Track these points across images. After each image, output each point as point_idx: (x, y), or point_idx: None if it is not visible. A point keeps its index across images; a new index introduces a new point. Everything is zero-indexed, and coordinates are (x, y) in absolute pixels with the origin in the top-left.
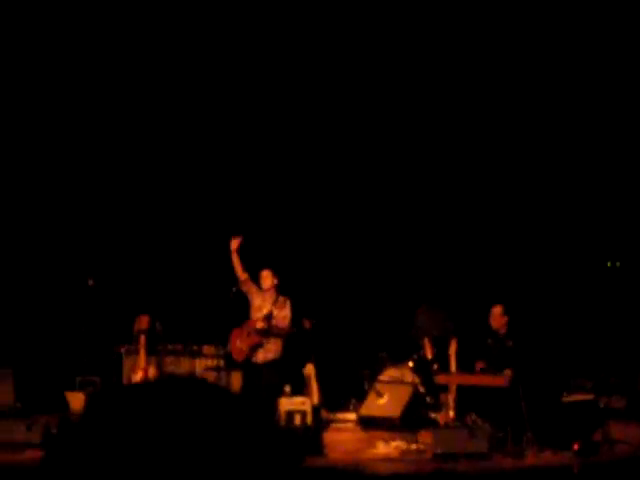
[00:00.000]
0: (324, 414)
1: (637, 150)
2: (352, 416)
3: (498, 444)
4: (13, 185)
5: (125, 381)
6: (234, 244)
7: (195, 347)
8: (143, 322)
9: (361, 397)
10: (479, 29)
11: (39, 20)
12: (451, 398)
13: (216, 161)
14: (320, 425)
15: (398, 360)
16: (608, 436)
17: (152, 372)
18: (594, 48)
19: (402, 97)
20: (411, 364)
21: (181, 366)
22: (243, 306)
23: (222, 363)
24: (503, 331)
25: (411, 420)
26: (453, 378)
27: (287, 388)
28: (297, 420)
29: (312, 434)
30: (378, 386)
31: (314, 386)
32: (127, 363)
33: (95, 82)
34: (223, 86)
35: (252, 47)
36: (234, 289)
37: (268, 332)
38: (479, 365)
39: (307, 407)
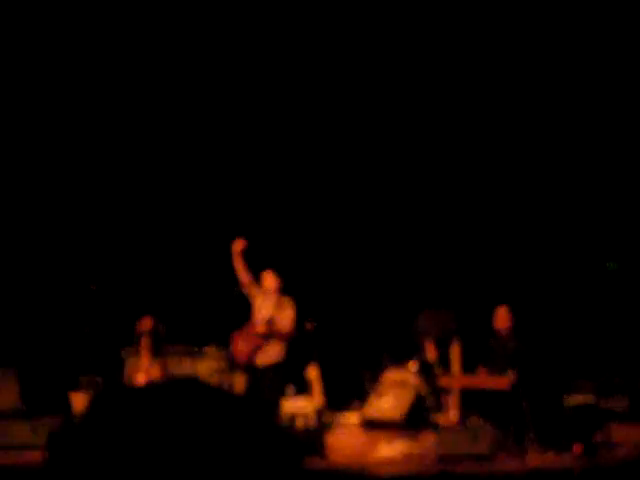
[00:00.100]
0: (327, 416)
1: (638, 151)
2: (355, 418)
3: (500, 446)
4: (17, 189)
5: (127, 382)
6: (238, 246)
7: (197, 349)
8: (146, 324)
9: (364, 399)
10: (479, 29)
11: (39, 20)
12: (454, 400)
13: (218, 163)
14: (323, 427)
15: (401, 362)
16: (610, 438)
17: (155, 374)
18: (594, 48)
19: (402, 97)
20: (414, 366)
21: (183, 368)
22: (246, 307)
23: (225, 365)
24: (506, 332)
25: (414, 422)
26: (456, 380)
27: (290, 390)
28: (299, 422)
29: (314, 436)
30: (381, 388)
31: (317, 388)
32: (130, 364)
33: (96, 84)
34: (224, 88)
35: (252, 47)
36: (236, 289)
37: (269, 336)
38: (482, 372)
39: (310, 409)
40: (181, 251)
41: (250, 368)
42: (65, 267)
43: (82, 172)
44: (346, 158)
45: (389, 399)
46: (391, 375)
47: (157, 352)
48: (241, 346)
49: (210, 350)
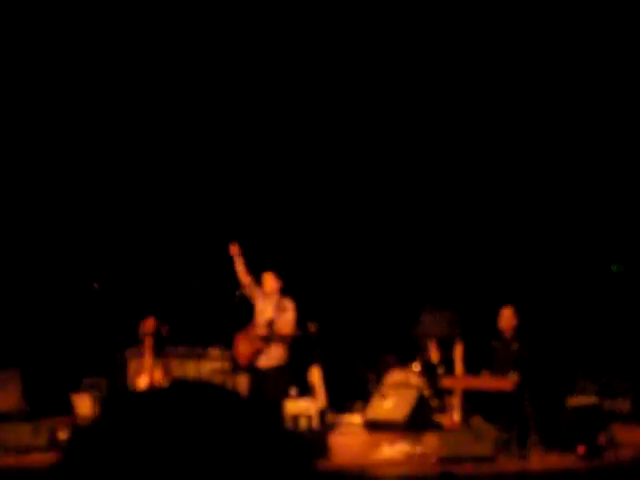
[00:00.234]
0: (329, 417)
1: None
2: (357, 419)
3: (503, 447)
4: (20, 190)
5: (130, 384)
6: (233, 250)
7: (201, 350)
8: (149, 325)
9: (366, 400)
10: (479, 29)
11: (39, 20)
12: (456, 401)
13: (220, 163)
14: (325, 428)
15: (404, 363)
16: (613, 439)
17: (158, 375)
18: (594, 48)
19: (403, 97)
20: (416, 367)
21: (187, 369)
22: (249, 308)
23: (228, 366)
24: (510, 333)
25: (416, 423)
26: (458, 381)
27: (293, 391)
28: (302, 423)
29: (317, 437)
30: (383, 389)
31: (320, 389)
32: (132, 366)
33: (96, 84)
34: (224, 89)
35: (252, 47)
36: (238, 293)
37: (270, 338)
38: (485, 373)
39: (312, 410)
40: (184, 252)
41: (252, 370)
42: (68, 268)
43: (85, 174)
44: (347, 160)
45: (392, 400)
46: (394, 376)
47: (160, 353)
48: (243, 348)
49: (213, 351)
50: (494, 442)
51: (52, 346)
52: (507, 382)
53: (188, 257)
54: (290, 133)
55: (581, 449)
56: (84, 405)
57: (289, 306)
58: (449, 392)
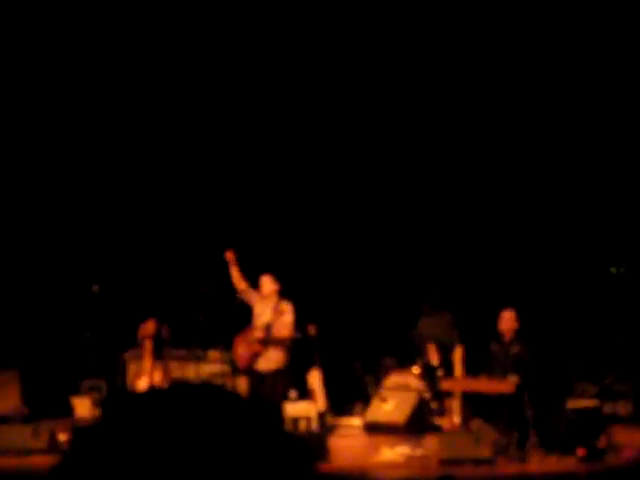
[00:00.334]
0: (329, 420)
1: None
2: (357, 422)
3: (503, 450)
4: (19, 191)
5: (130, 386)
6: (228, 256)
7: (200, 352)
8: (148, 327)
9: (366, 403)
10: (479, 29)
11: (39, 20)
12: (456, 404)
13: (219, 165)
14: (325, 430)
15: (403, 366)
16: (613, 442)
17: (157, 377)
18: (594, 48)
19: (403, 97)
20: (416, 370)
21: (186, 371)
22: (248, 311)
23: (227, 368)
24: (509, 336)
25: (416, 426)
26: (458, 384)
27: (292, 394)
28: (302, 426)
29: (317, 440)
30: (383, 392)
31: (319, 392)
32: (132, 368)
33: (96, 84)
34: (222, 91)
35: (251, 48)
36: (238, 297)
37: (267, 341)
38: (484, 376)
39: (312, 413)
40: (184, 255)
41: (251, 372)
42: (67, 270)
43: (84, 175)
44: (347, 162)
45: (391, 403)
46: (393, 379)
47: (159, 356)
48: (241, 351)
49: (213, 354)
50: (494, 445)
51: (52, 348)
52: (507, 385)
53: (188, 259)
54: (289, 135)
55: (581, 452)
56: (84, 407)
57: (287, 308)
58: (449, 395)
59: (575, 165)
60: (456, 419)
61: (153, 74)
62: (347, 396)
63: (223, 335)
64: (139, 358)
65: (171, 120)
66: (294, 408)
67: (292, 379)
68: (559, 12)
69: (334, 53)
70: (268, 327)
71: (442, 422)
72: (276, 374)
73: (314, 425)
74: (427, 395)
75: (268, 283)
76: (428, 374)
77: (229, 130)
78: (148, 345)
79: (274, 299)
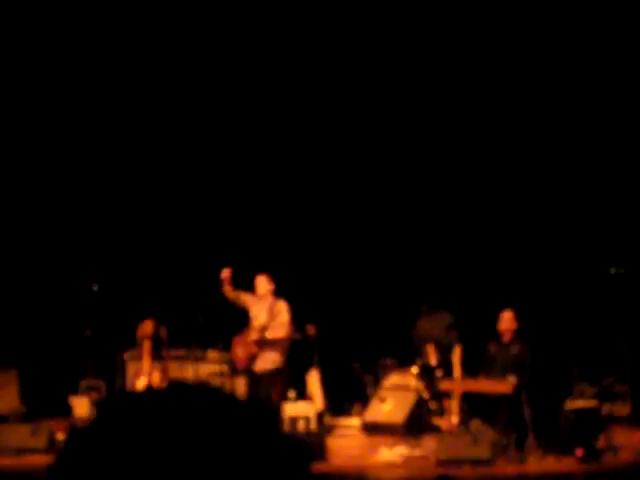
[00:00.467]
0: (328, 420)
1: None
2: (356, 422)
3: (501, 450)
4: (19, 190)
5: (129, 386)
6: (224, 274)
7: (199, 352)
8: (147, 327)
9: (365, 403)
10: (479, 29)
11: (39, 20)
12: (455, 404)
13: (219, 165)
14: (324, 431)
15: (402, 366)
16: (612, 442)
17: (156, 377)
18: (594, 48)
19: (402, 97)
20: (415, 370)
21: (185, 371)
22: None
23: (226, 369)
24: (508, 337)
25: (415, 426)
26: (457, 384)
27: (291, 394)
28: (301, 426)
29: (316, 440)
30: (382, 392)
31: (318, 392)
32: (131, 368)
33: (96, 85)
34: (218, 95)
35: (251, 49)
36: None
37: (263, 343)
38: (483, 376)
39: (311, 413)
40: (182, 254)
41: (250, 373)
42: (66, 269)
43: (84, 174)
44: (346, 163)
45: (390, 403)
46: (392, 379)
47: (158, 356)
48: (239, 352)
49: (212, 354)
50: (492, 445)
51: (50, 347)
52: (505, 385)
53: (187, 258)
54: (287, 133)
55: (579, 452)
56: (82, 407)
57: (283, 308)
58: (447, 395)
59: (574, 166)
60: (455, 419)
61: (153, 74)
62: (346, 396)
63: (222, 335)
64: (138, 358)
65: (170, 121)
66: (293, 408)
67: (291, 379)
68: (559, 12)
69: (334, 53)
70: (263, 329)
71: (441, 422)
72: (274, 374)
73: (313, 425)
74: (426, 395)
75: (263, 283)
76: (427, 374)
77: (227, 129)
78: (147, 345)
79: (270, 299)
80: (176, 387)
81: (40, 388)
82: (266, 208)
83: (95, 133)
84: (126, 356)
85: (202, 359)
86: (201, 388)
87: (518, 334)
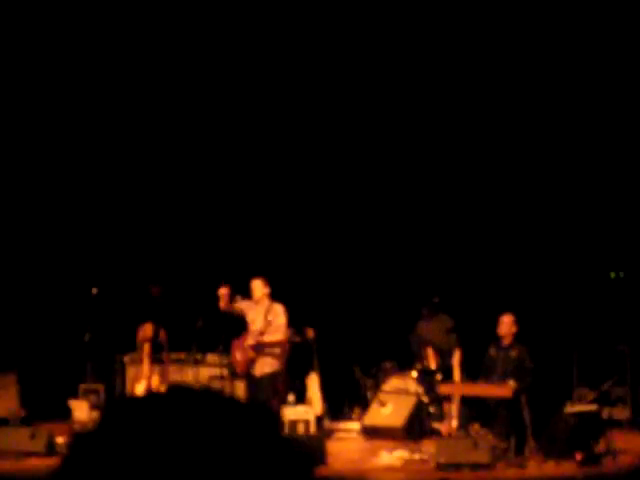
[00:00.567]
0: (327, 423)
1: None
2: (355, 425)
3: (501, 454)
4: (18, 194)
5: (128, 390)
6: (222, 292)
7: (199, 356)
8: (147, 331)
9: (364, 406)
10: (479, 29)
11: (39, 20)
12: (454, 408)
13: (219, 166)
14: (323, 434)
15: (402, 369)
16: (611, 446)
17: (156, 381)
18: (594, 48)
19: (402, 97)
20: (415, 374)
21: (185, 375)
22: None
23: (226, 372)
24: (508, 340)
25: (414, 430)
26: (457, 388)
27: (290, 397)
28: (300, 429)
29: (315, 443)
30: (381, 396)
31: (317, 395)
32: (131, 372)
33: (97, 85)
34: (217, 97)
35: (251, 49)
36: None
37: (261, 347)
38: (482, 380)
39: (310, 416)
40: (182, 257)
41: (249, 376)
42: (66, 272)
43: (84, 179)
44: (346, 168)
45: (390, 407)
46: (392, 383)
47: (158, 359)
48: (238, 356)
49: (211, 357)
50: (492, 449)
51: (50, 351)
52: (505, 389)
53: (186, 262)
54: (284, 136)
55: (579, 456)
56: (82, 410)
57: (279, 311)
58: (447, 399)
59: (575, 170)
60: (454, 423)
61: (153, 75)
62: (345, 400)
63: (222, 339)
64: (137, 361)
65: (169, 125)
66: (292, 412)
67: (290, 383)
68: (559, 12)
69: (334, 54)
70: (260, 333)
71: (440, 426)
72: (273, 378)
73: (312, 429)
74: (425, 399)
75: (259, 287)
76: (426, 378)
77: (222, 135)
78: (146, 348)
79: (266, 303)
80: (179, 391)
81: (39, 391)
82: (266, 211)
83: (96, 138)
84: (126, 360)
85: (202, 363)
86: (204, 392)
87: (518, 338)
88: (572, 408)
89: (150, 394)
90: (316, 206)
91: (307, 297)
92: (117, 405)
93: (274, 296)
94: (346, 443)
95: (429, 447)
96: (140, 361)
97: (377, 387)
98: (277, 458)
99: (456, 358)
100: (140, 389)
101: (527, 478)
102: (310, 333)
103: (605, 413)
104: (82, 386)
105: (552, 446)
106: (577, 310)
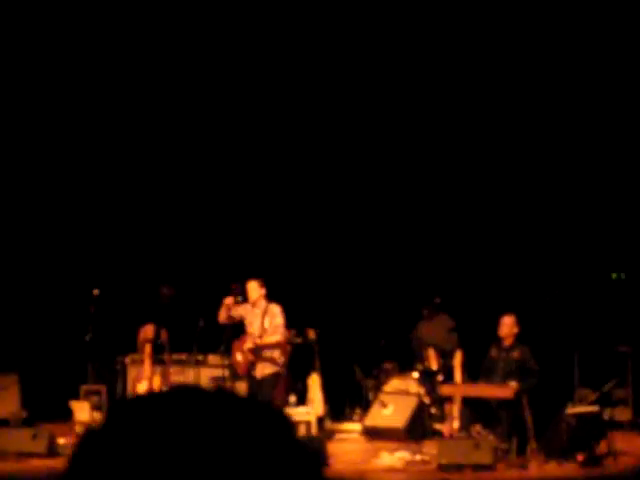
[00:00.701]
0: (328, 424)
1: None
2: (357, 426)
3: (502, 455)
4: (19, 195)
5: (130, 391)
6: (228, 301)
7: (200, 357)
8: (148, 331)
9: (366, 407)
10: (479, 29)
11: (39, 20)
12: (456, 409)
13: (219, 168)
14: (324, 435)
15: (403, 370)
16: (613, 448)
17: (157, 382)
18: (594, 48)
19: (402, 98)
20: (416, 375)
21: (186, 376)
22: None
23: (227, 373)
24: (509, 341)
25: (415, 431)
26: (458, 389)
27: (292, 398)
28: (301, 430)
29: (316, 444)
30: (383, 397)
31: (319, 396)
32: (132, 373)
33: (97, 86)
34: (215, 99)
35: (250, 49)
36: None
37: (260, 350)
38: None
39: (311, 417)
40: (183, 258)
41: (251, 377)
42: (67, 273)
43: (86, 181)
44: (347, 169)
45: (391, 408)
46: (393, 384)
47: (159, 360)
48: (238, 358)
49: (213, 358)
50: (493, 450)
51: (51, 352)
52: (507, 390)
53: (187, 263)
54: (284, 135)
55: (580, 457)
56: (83, 411)
57: (276, 312)
58: (448, 400)
59: (576, 172)
60: (456, 424)
61: (153, 76)
62: (347, 401)
63: (223, 340)
64: (139, 362)
65: (169, 127)
66: (293, 413)
67: (292, 384)
68: (559, 12)
69: (334, 54)
70: (258, 336)
71: (442, 427)
72: (274, 379)
73: (314, 430)
74: (427, 400)
75: (255, 288)
76: (428, 379)
77: (219, 137)
78: (148, 349)
79: (263, 304)
80: (188, 391)
81: (41, 392)
82: (268, 212)
83: (97, 140)
84: (127, 360)
85: (203, 363)
86: (214, 390)
87: (519, 339)
88: (573, 409)
89: (158, 393)
90: (318, 208)
91: (309, 298)
92: (124, 405)
93: (276, 297)
94: (347, 444)
95: (430, 448)
96: (141, 362)
97: (378, 388)
98: (289, 458)
99: (457, 359)
100: (141, 390)
101: (528, 479)
102: (311, 334)
103: (606, 414)
104: (83, 387)
105: (553, 447)
106: (578, 311)
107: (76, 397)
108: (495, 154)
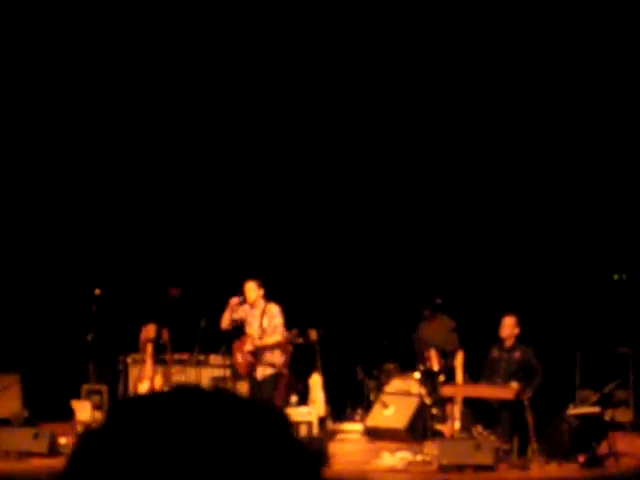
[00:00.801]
0: (330, 425)
1: None
2: (358, 427)
3: (504, 456)
4: (21, 195)
5: (131, 391)
6: (233, 301)
7: (201, 357)
8: (150, 331)
9: (367, 408)
10: (479, 29)
11: (39, 20)
12: (457, 409)
13: (219, 168)
14: (326, 436)
15: (404, 371)
16: (614, 449)
17: (159, 382)
18: (594, 48)
19: (402, 99)
20: (417, 375)
21: (187, 376)
22: None
23: (228, 373)
24: (510, 342)
25: (417, 431)
26: (459, 390)
27: (293, 398)
28: (302, 431)
29: (318, 445)
30: (384, 397)
31: (320, 397)
32: (133, 372)
33: (101, 92)
34: (214, 100)
35: (250, 50)
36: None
37: (259, 351)
38: (484, 382)
39: (313, 417)
40: (184, 258)
41: (252, 378)
42: (69, 273)
43: (88, 181)
44: (348, 169)
45: (392, 408)
46: (394, 384)
47: (161, 360)
48: (239, 358)
49: (214, 358)
50: (495, 451)
51: (53, 352)
52: (508, 391)
53: (189, 263)
54: (284, 135)
55: (582, 458)
56: (84, 411)
57: (275, 312)
58: (450, 400)
59: (577, 172)
60: (457, 425)
61: (153, 77)
62: (348, 401)
63: (224, 340)
64: (140, 362)
65: (169, 127)
66: (294, 413)
67: (293, 384)
68: (559, 12)
69: (334, 54)
70: (258, 338)
71: (443, 428)
72: (275, 379)
73: (315, 430)
74: (428, 400)
75: (253, 289)
76: (429, 379)
77: (218, 137)
78: (149, 349)
79: (261, 304)
80: (188, 390)
81: (42, 392)
82: (269, 213)
83: (99, 140)
84: (128, 360)
85: (204, 363)
86: (214, 391)
87: (520, 340)
88: (575, 410)
89: (159, 393)
90: (320, 209)
91: (310, 299)
92: (125, 404)
93: (278, 297)
94: (349, 444)
95: (432, 448)
96: (143, 362)
97: (380, 388)
98: (289, 459)
99: (459, 359)
100: (143, 390)
101: None
102: (313, 334)
103: (608, 415)
104: (85, 387)
105: (555, 448)
106: (580, 312)
107: (77, 397)
108: (496, 155)
